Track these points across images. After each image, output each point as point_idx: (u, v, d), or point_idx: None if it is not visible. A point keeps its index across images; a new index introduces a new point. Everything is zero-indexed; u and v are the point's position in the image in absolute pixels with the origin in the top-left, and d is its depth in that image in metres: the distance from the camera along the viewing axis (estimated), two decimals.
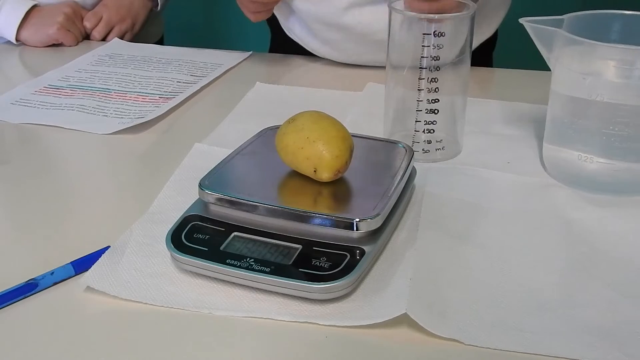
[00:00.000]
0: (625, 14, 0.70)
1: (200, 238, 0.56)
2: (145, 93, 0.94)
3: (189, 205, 0.61)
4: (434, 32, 0.69)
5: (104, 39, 1.21)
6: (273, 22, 1.14)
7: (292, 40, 1.09)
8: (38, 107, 0.90)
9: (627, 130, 0.66)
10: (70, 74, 1.02)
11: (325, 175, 0.59)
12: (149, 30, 1.30)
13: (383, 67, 0.76)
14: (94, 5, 1.24)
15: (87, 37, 1.21)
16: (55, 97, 0.94)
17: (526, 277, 0.56)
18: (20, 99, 0.94)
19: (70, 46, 1.16)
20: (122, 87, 0.97)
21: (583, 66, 0.67)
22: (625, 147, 0.67)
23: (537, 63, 0.78)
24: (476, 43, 0.97)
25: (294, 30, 1.08)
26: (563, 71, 0.69)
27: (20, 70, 1.11)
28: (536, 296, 0.54)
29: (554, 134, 0.72)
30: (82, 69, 1.05)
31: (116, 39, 1.20)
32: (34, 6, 1.17)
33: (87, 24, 1.20)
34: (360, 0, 0.96)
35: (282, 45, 1.13)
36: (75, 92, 0.95)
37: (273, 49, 1.22)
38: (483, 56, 1.11)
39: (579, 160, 0.68)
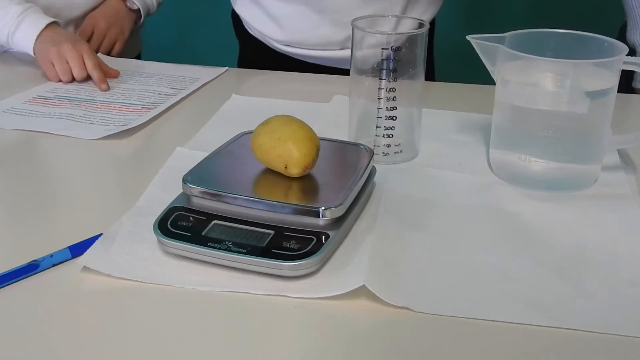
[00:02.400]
0: (558, 32, 0.80)
1: (184, 225, 0.64)
2: (129, 103, 1.02)
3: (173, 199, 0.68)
4: (391, 47, 0.78)
5: (96, 51, 1.27)
6: (239, 31, 1.25)
7: (257, 46, 1.18)
8: (29, 115, 0.97)
9: (560, 134, 0.75)
10: (58, 86, 1.09)
11: (294, 171, 0.67)
12: (128, 45, 1.37)
13: (348, 80, 0.85)
14: (81, 18, 1.31)
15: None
16: (44, 106, 1.01)
17: (469, 258, 0.64)
18: (12, 107, 1.00)
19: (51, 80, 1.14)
20: (107, 97, 1.04)
21: (522, 78, 0.76)
22: (559, 148, 0.76)
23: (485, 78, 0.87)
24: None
25: (237, 4, 1.19)
26: (505, 82, 0.78)
27: (10, 82, 1.17)
28: (477, 273, 0.62)
29: (498, 139, 0.81)
30: (66, 80, 1.11)
31: (100, 54, 1.27)
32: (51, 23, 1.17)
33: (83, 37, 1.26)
34: None
35: (250, 53, 1.25)
36: (63, 102, 1.02)
37: (241, 57, 1.33)
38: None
39: (519, 161, 0.77)
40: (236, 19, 1.30)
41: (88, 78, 1.11)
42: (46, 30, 1.15)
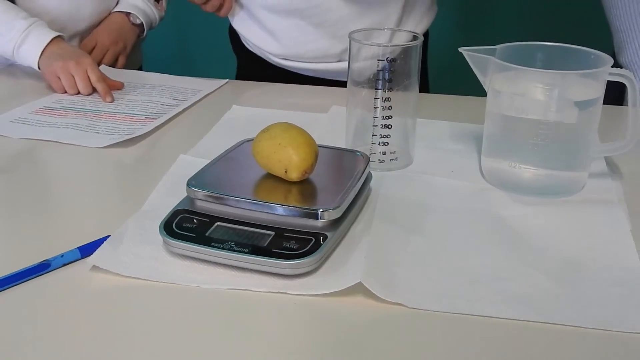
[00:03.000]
0: (546, 45, 0.83)
1: (188, 227, 0.67)
2: (133, 114, 1.05)
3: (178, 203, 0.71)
4: (386, 58, 0.81)
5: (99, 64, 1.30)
6: (236, 46, 1.29)
7: (254, 60, 1.22)
8: (36, 125, 1.00)
9: (549, 142, 0.78)
10: (63, 97, 1.13)
11: (294, 175, 0.70)
12: (130, 58, 1.40)
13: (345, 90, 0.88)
14: (86, 31, 1.34)
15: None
16: (50, 116, 1.04)
17: (461, 258, 0.67)
18: (20, 117, 1.04)
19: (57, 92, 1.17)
20: (111, 108, 1.08)
21: (512, 88, 0.80)
22: (548, 156, 0.79)
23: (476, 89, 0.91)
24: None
25: (234, 20, 1.23)
26: (495, 93, 0.81)
27: (16, 94, 1.20)
28: (469, 273, 0.65)
29: (489, 147, 0.84)
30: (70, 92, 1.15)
31: (103, 65, 1.30)
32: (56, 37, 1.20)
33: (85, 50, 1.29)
34: None
35: (246, 66, 1.29)
36: (69, 113, 1.06)
37: (239, 70, 1.37)
38: None
39: (509, 168, 0.80)
40: (233, 34, 1.34)
41: (93, 90, 1.14)
42: (51, 45, 1.18)
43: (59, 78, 1.14)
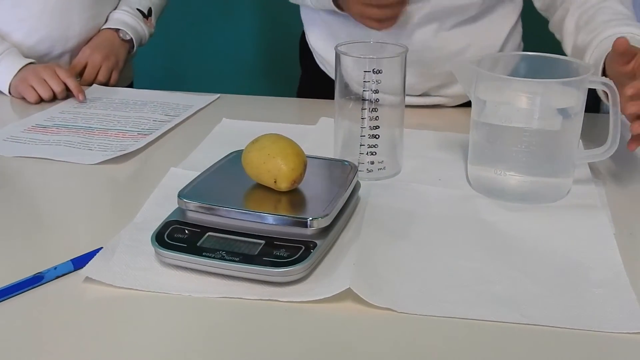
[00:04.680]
0: (529, 55, 0.85)
1: (180, 237, 0.68)
2: (125, 130, 1.06)
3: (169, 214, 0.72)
4: (372, 69, 0.83)
5: (92, 82, 1.32)
6: (307, 62, 1.28)
7: (324, 80, 1.18)
8: (28, 143, 1.01)
9: (533, 149, 0.79)
10: (55, 115, 1.14)
11: (283, 185, 0.71)
12: (121, 74, 1.41)
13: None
14: (76, 49, 1.36)
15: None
16: (42, 134, 1.05)
17: (448, 263, 0.68)
18: (11, 136, 1.04)
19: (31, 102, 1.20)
20: (104, 125, 1.09)
21: (497, 97, 0.81)
22: (532, 163, 0.80)
23: None
24: None
25: (312, 38, 1.19)
26: (480, 102, 0.83)
27: (5, 113, 1.21)
28: (455, 277, 0.66)
29: (475, 155, 0.85)
30: (65, 110, 1.16)
31: (95, 85, 1.31)
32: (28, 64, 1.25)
33: (74, 69, 1.32)
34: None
35: (313, 83, 1.25)
36: (61, 130, 1.07)
37: (302, 84, 1.36)
38: None
39: (495, 175, 0.82)
40: (305, 50, 1.28)
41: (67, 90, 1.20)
42: (21, 71, 1.23)
43: (32, 87, 1.19)
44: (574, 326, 0.59)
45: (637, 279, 0.65)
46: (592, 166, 0.90)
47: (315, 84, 1.25)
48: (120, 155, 0.95)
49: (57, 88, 1.19)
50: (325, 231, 0.68)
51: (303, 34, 1.28)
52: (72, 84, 1.20)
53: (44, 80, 1.20)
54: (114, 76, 1.35)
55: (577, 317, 0.60)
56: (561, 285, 0.65)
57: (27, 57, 1.28)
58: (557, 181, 0.83)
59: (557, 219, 0.77)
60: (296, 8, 1.21)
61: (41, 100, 1.20)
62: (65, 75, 1.21)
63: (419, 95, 1.16)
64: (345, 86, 0.87)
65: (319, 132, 1.02)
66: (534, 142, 0.79)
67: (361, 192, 0.80)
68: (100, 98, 1.23)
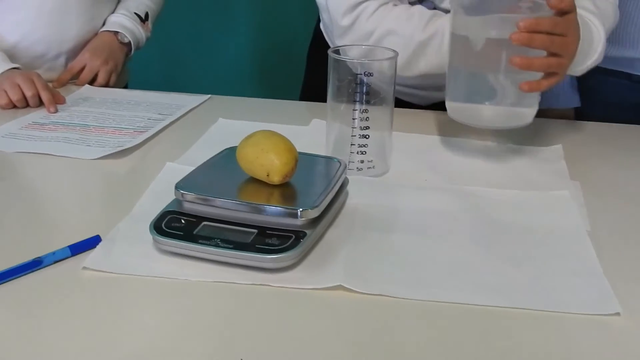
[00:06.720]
0: None
1: (177, 226, 0.71)
2: (121, 128, 1.09)
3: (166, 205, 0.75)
4: (364, 72, 0.86)
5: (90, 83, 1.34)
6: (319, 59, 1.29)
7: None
8: (27, 140, 1.04)
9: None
10: (50, 114, 1.16)
11: (276, 178, 0.74)
12: (118, 77, 1.44)
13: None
14: (72, 51, 1.38)
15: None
16: (40, 131, 1.08)
17: (436, 254, 0.72)
18: (9, 132, 1.07)
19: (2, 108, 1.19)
20: (99, 123, 1.12)
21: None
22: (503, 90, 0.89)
23: None
24: None
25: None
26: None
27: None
28: (443, 266, 0.70)
29: (453, 89, 0.95)
30: (60, 108, 1.18)
31: (86, 86, 1.34)
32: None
33: (72, 72, 1.34)
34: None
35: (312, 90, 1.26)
36: (58, 127, 1.09)
37: (308, 87, 1.38)
38: None
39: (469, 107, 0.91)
40: (321, 44, 1.26)
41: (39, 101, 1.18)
42: (3, 74, 1.22)
43: (4, 90, 1.18)
44: (553, 309, 0.63)
45: (608, 268, 0.70)
46: (567, 159, 0.96)
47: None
48: (118, 151, 0.98)
49: (28, 92, 1.18)
50: (314, 222, 0.71)
51: (316, 34, 1.30)
52: (45, 96, 1.18)
53: (18, 85, 1.18)
54: (112, 79, 1.38)
55: (555, 300, 0.65)
56: (541, 273, 0.69)
57: (23, 57, 1.31)
58: (524, 110, 0.93)
59: (536, 213, 0.81)
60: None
61: (13, 105, 1.18)
62: (41, 87, 1.18)
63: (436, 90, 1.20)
64: (338, 89, 0.90)
65: (311, 133, 1.05)
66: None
67: (350, 188, 0.83)
68: (94, 97, 1.26)
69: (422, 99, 1.25)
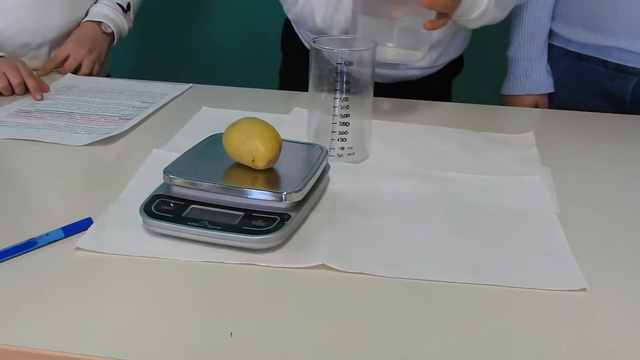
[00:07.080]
0: None
1: (166, 209, 0.74)
2: (107, 115, 1.12)
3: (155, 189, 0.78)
4: (344, 62, 0.90)
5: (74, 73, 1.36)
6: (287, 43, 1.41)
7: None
8: (14, 127, 1.06)
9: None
10: (36, 102, 1.18)
11: (261, 163, 0.77)
12: (101, 66, 1.46)
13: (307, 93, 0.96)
14: (55, 40, 1.39)
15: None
16: (27, 119, 1.10)
17: (413, 235, 0.76)
18: None
19: None
20: (85, 110, 1.14)
21: None
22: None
23: None
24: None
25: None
26: None
27: None
28: (421, 247, 0.74)
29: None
30: (45, 96, 1.20)
31: (69, 74, 1.35)
32: None
33: (56, 61, 1.36)
34: None
35: (295, 64, 1.33)
36: (44, 115, 1.12)
37: (284, 66, 1.47)
38: (442, 82, 1.40)
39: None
40: (289, 32, 1.40)
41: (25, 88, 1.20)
42: None
43: None
44: (525, 285, 0.68)
45: (576, 248, 0.74)
46: (541, 153, 0.99)
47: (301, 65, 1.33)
48: (105, 138, 1.00)
49: (15, 80, 1.20)
50: (298, 205, 0.75)
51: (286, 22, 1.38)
52: (31, 83, 1.20)
53: (3, 73, 1.20)
54: (96, 68, 1.40)
55: (526, 277, 0.69)
56: (512, 253, 0.73)
57: (7, 46, 1.32)
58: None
59: (510, 199, 0.85)
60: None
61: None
62: (26, 74, 1.21)
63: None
64: (319, 77, 0.93)
65: (292, 121, 1.08)
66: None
67: (332, 174, 0.86)
68: (77, 86, 1.28)
69: (380, 76, 1.30)
